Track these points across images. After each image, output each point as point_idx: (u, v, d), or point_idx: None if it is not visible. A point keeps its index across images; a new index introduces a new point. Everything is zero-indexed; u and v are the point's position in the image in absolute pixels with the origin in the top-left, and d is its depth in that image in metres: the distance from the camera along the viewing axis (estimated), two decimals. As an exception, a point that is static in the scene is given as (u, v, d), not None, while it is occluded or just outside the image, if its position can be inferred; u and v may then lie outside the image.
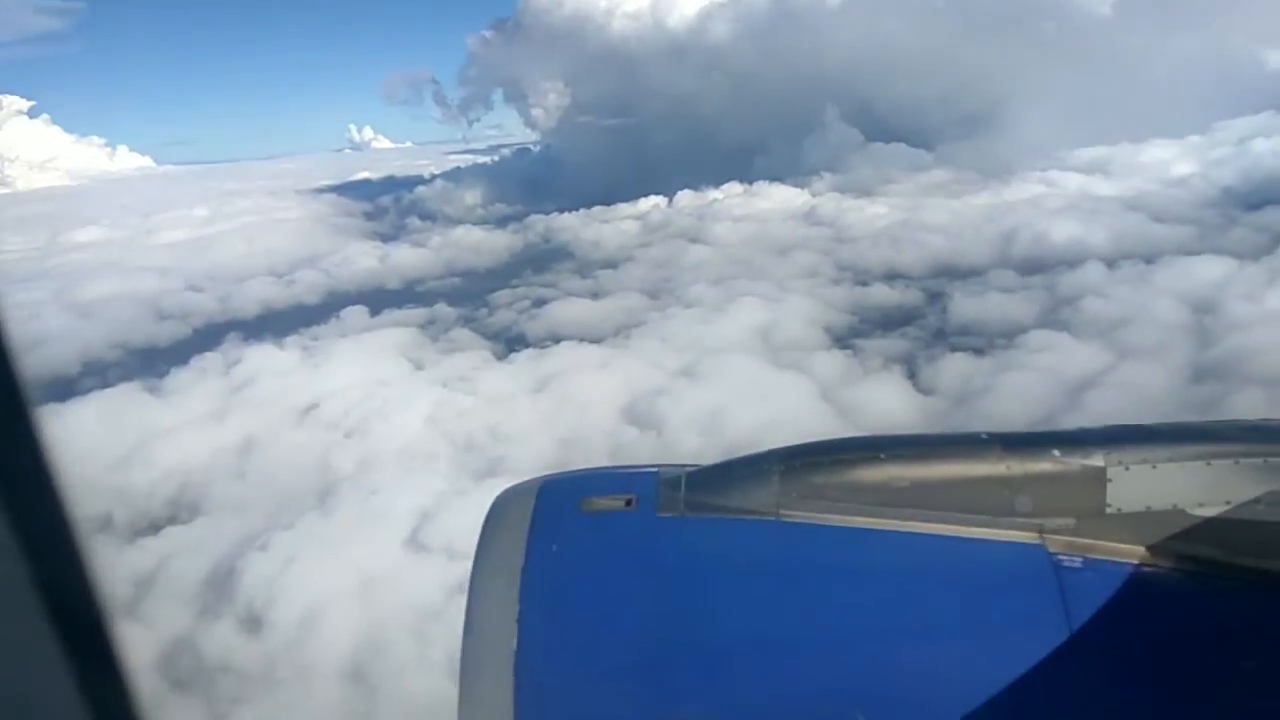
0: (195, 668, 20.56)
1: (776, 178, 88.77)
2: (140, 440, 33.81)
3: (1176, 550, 2.18)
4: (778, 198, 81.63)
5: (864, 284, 48.89)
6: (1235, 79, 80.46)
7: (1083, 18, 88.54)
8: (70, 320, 58.65)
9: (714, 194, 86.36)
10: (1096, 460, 2.22)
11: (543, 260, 70.81)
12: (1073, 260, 45.48)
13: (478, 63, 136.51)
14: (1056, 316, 37.89)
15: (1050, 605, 2.08)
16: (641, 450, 27.93)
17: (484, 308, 56.48)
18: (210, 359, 44.12)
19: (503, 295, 58.69)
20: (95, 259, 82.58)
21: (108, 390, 40.20)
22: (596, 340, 42.56)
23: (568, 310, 51.20)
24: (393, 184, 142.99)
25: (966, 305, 41.72)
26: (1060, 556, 2.17)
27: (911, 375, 34.07)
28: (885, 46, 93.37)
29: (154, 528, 27.62)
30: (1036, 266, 46.14)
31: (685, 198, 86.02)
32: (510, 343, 46.46)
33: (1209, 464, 2.19)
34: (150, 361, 48.38)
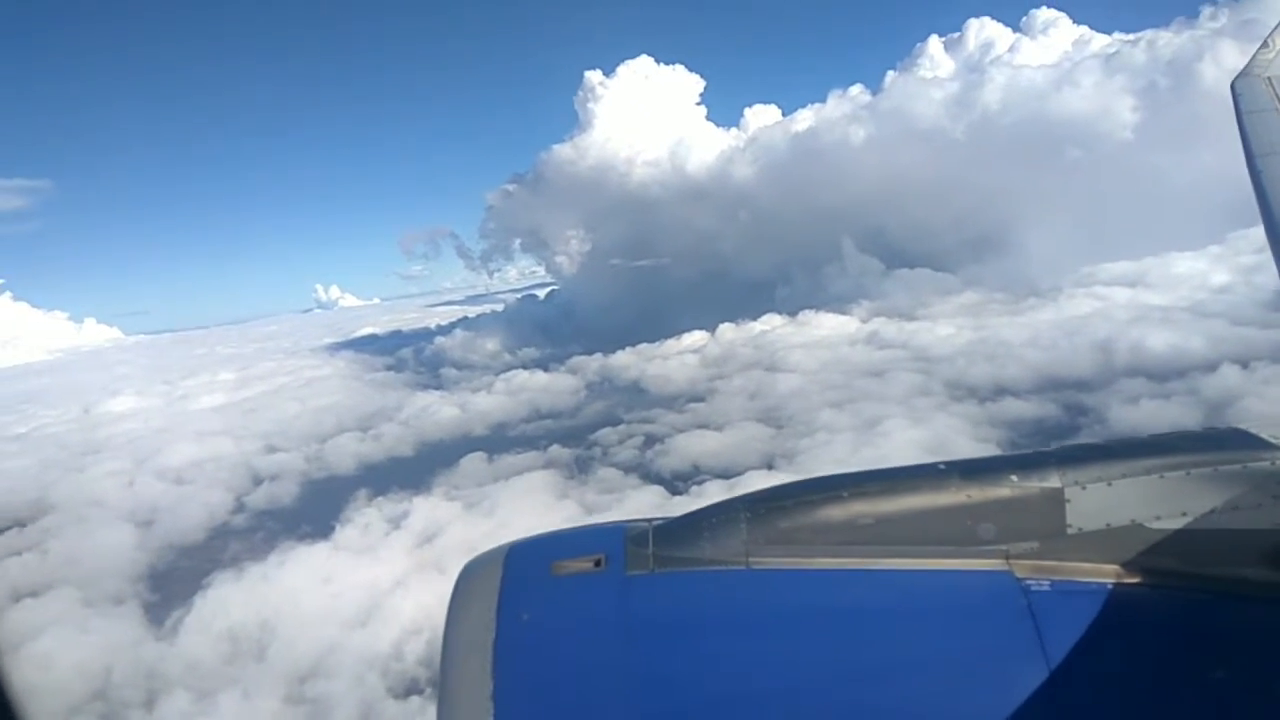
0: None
1: (804, 307, 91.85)
2: (365, 599, 33.04)
3: (1140, 565, 2.20)
4: (827, 325, 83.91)
5: (991, 400, 50.06)
6: (1241, 191, 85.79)
7: (1104, 143, 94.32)
8: (169, 488, 57.54)
9: (757, 326, 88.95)
10: (1053, 482, 2.25)
11: (619, 397, 71.58)
12: (1193, 366, 47.19)
13: (497, 215, 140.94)
14: (1224, 418, 39.05)
15: (1022, 630, 2.09)
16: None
17: (595, 446, 56.55)
18: (368, 513, 43.44)
19: (606, 434, 58.93)
20: (146, 427, 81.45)
21: (290, 552, 39.25)
22: (747, 471, 42.82)
23: (698, 444, 51.46)
24: (403, 338, 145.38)
25: (1123, 413, 42.86)
26: (1027, 581, 2.18)
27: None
28: (904, 178, 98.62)
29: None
30: (1163, 373, 47.70)
31: (727, 331, 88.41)
32: (658, 478, 46.50)
33: (1162, 477, 2.23)
34: (290, 523, 47.47)
